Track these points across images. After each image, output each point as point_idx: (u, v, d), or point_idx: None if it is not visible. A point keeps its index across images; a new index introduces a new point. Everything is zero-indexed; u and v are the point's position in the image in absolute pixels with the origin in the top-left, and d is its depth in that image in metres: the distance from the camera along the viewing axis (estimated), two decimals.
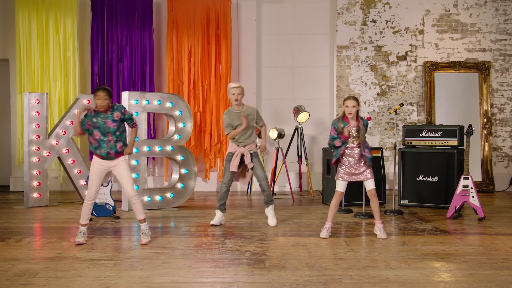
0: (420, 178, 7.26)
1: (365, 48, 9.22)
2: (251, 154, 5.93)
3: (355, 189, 6.76)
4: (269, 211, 6.03)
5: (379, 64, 9.23)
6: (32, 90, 8.50)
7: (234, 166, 5.86)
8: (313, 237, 5.36)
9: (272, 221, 5.99)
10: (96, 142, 5.03)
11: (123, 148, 5.12)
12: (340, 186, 5.36)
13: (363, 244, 5.08)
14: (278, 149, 8.17)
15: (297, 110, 8.47)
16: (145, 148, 7.03)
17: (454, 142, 7.16)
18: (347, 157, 5.30)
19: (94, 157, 5.09)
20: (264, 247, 4.95)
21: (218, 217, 5.98)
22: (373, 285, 3.82)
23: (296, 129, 8.69)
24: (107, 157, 5.04)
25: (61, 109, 8.54)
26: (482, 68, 9.10)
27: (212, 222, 5.95)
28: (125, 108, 5.22)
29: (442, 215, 6.59)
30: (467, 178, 6.35)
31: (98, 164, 5.06)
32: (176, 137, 7.27)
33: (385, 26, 9.22)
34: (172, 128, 7.41)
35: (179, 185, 7.28)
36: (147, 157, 7.95)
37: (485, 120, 9.02)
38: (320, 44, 9.50)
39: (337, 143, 5.29)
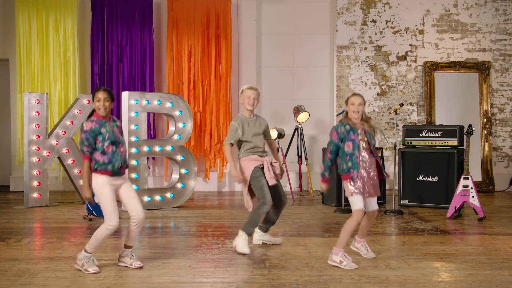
0: (420, 178, 7.26)
1: (365, 48, 9.21)
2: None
3: None
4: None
5: (379, 64, 9.22)
6: (32, 90, 8.50)
7: (272, 178, 4.85)
8: (313, 237, 5.36)
9: None
10: (107, 157, 4.11)
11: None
12: (359, 201, 4.24)
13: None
14: (278, 149, 8.16)
15: (297, 110, 8.47)
16: (145, 148, 7.02)
17: (454, 142, 7.16)
18: (361, 169, 4.31)
19: (100, 177, 4.12)
20: (264, 247, 4.94)
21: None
22: (373, 285, 3.82)
23: (296, 129, 8.68)
24: (117, 172, 4.16)
25: (61, 109, 8.53)
26: (482, 68, 9.09)
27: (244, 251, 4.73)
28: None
29: (442, 215, 6.58)
30: (467, 178, 6.35)
31: (109, 184, 4.13)
32: (176, 137, 7.27)
33: (385, 26, 9.21)
34: (172, 128, 7.40)
35: (179, 185, 7.28)
36: (147, 157, 7.95)
37: (485, 120, 9.02)
38: (320, 44, 9.49)
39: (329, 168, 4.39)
